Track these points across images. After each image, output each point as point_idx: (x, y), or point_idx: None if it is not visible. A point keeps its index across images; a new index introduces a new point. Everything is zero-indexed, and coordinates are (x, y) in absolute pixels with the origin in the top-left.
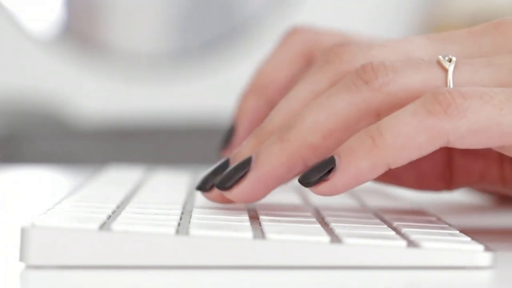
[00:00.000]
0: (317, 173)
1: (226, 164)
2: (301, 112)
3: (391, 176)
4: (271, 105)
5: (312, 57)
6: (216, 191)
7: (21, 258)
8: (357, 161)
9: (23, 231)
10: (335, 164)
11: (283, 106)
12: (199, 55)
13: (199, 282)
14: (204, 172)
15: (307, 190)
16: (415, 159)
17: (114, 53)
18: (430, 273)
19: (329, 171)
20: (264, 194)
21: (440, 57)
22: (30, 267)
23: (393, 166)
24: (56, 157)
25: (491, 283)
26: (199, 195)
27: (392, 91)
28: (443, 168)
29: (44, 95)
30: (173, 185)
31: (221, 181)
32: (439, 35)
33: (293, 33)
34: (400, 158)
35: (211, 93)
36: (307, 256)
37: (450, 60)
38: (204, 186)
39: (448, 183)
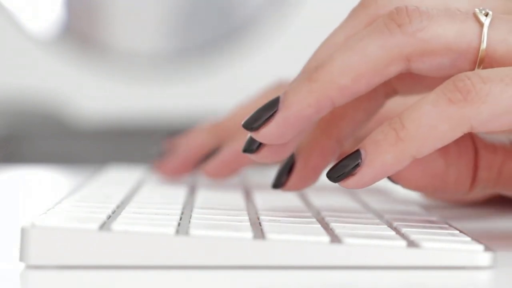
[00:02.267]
0: (344, 168)
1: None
2: (332, 53)
3: (436, 183)
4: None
5: None
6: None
7: (21, 258)
8: (383, 155)
9: (23, 231)
10: (361, 158)
11: (318, 52)
12: (199, 55)
13: (199, 282)
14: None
15: (306, 190)
16: (439, 147)
17: (114, 53)
18: (430, 273)
19: (356, 165)
20: (291, 135)
21: (477, 9)
22: (30, 267)
23: (418, 157)
24: (56, 157)
25: (491, 283)
26: (199, 195)
27: (425, 38)
28: (474, 161)
29: (44, 95)
30: (173, 185)
31: (248, 121)
32: None
33: (275, 86)
34: (424, 148)
35: (211, 93)
36: (307, 256)
37: (486, 14)
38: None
39: (472, 181)
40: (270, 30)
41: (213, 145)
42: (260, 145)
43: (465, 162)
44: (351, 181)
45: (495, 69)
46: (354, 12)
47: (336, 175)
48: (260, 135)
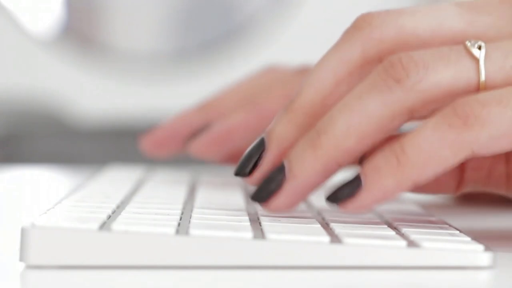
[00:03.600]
0: (344, 191)
1: (262, 143)
2: (331, 115)
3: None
4: (208, 123)
5: None
6: (257, 175)
7: (21, 258)
8: (383, 180)
9: (23, 231)
10: (361, 183)
11: (314, 77)
12: (199, 55)
13: (199, 282)
14: (242, 155)
15: None
16: (440, 173)
17: (114, 53)
18: (430, 273)
19: (356, 189)
20: (299, 202)
21: (468, 43)
22: (30, 267)
23: (418, 183)
24: (56, 157)
25: (491, 283)
26: (199, 195)
27: (424, 89)
28: (457, 166)
29: (44, 95)
30: (173, 185)
31: (256, 193)
32: (470, 4)
33: (264, 71)
34: (425, 174)
35: (211, 93)
36: (307, 256)
37: (479, 47)
38: (243, 171)
39: (458, 183)
40: (270, 30)
41: (201, 122)
42: (254, 168)
43: None
44: (349, 203)
45: (493, 91)
46: (347, 35)
47: (335, 196)
48: (271, 207)
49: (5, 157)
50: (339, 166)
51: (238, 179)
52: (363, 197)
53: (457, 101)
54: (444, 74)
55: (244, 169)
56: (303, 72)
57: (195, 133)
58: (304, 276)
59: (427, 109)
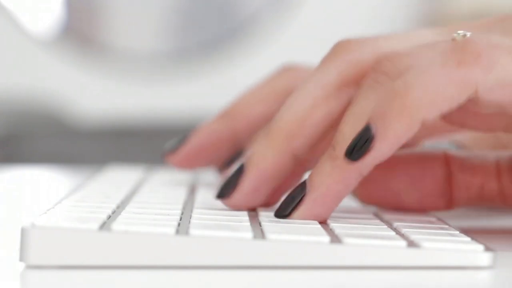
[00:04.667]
0: (360, 145)
1: (241, 169)
2: (339, 128)
3: (394, 202)
4: (235, 133)
5: None
6: (236, 196)
7: (21, 258)
8: (393, 125)
9: (23, 231)
10: (373, 133)
11: (292, 101)
12: (199, 55)
13: (199, 282)
14: (220, 181)
15: None
16: (447, 111)
17: (114, 53)
18: (430, 273)
19: (371, 141)
20: (328, 213)
21: (455, 34)
22: (30, 267)
23: (427, 121)
24: (56, 157)
25: (491, 283)
26: (199, 195)
27: (419, 97)
28: (443, 184)
29: (44, 95)
30: (173, 185)
31: (279, 210)
32: (446, 27)
33: (283, 71)
34: (432, 112)
35: (211, 93)
36: (307, 256)
37: (464, 36)
38: (224, 192)
39: (449, 201)
40: (270, 30)
41: (227, 131)
42: (234, 189)
43: (431, 184)
44: (369, 157)
45: (501, 40)
46: (325, 60)
47: (352, 152)
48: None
49: (5, 157)
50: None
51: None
52: (378, 147)
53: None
54: (444, 87)
55: (225, 193)
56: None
57: (229, 160)
58: (304, 276)
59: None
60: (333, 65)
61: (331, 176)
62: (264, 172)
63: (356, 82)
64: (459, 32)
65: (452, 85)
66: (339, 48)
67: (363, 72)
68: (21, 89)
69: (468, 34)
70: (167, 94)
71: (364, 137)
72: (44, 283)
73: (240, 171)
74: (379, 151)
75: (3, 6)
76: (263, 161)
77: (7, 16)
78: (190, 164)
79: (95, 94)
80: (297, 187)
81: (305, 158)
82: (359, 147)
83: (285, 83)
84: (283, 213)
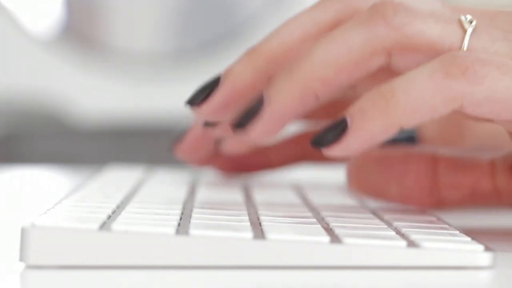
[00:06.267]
0: (330, 134)
1: (216, 81)
2: (313, 46)
3: (376, 191)
4: (268, 77)
5: None
6: (205, 107)
7: (21, 258)
8: (370, 122)
9: (23, 231)
10: (347, 125)
11: (282, 29)
12: (199, 55)
13: (199, 282)
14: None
15: (306, 190)
16: (427, 120)
17: (114, 53)
18: (430, 273)
19: (342, 132)
20: (280, 130)
21: (462, 17)
22: (30, 267)
23: (406, 127)
24: (56, 157)
25: (491, 283)
26: (199, 195)
27: (408, 33)
28: (429, 183)
29: (44, 95)
30: (173, 185)
31: (237, 122)
32: (453, 6)
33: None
34: (413, 119)
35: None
36: (307, 256)
37: (471, 22)
38: (194, 101)
39: (437, 200)
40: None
41: (256, 75)
42: (204, 100)
43: (413, 180)
44: (336, 147)
45: (493, 56)
46: None
47: (320, 140)
48: (252, 134)
49: (5, 157)
50: (316, 97)
51: (239, 180)
52: (349, 140)
53: (456, 52)
54: (431, 27)
55: (195, 100)
56: None
57: (179, 137)
58: (304, 276)
59: (405, 59)
60: (333, 4)
61: (289, 93)
62: (238, 89)
63: None
64: (467, 16)
65: (437, 96)
66: None
67: None
68: (21, 89)
69: (474, 22)
70: (167, 94)
71: (338, 127)
72: (44, 283)
73: (214, 83)
74: (347, 145)
75: (3, 6)
76: (240, 78)
77: (7, 16)
78: (195, 152)
79: (95, 94)
80: (256, 100)
81: None
82: (329, 135)
83: (331, 16)
84: (240, 127)
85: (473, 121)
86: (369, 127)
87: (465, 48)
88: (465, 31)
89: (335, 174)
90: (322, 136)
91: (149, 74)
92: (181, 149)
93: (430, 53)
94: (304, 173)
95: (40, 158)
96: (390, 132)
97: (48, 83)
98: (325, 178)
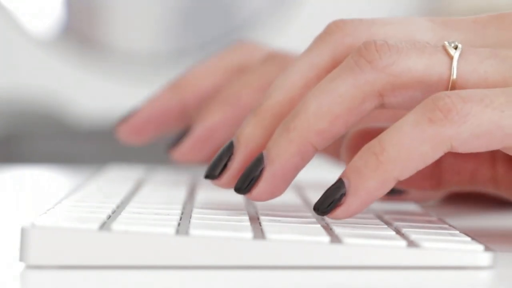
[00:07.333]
0: (330, 200)
1: (231, 146)
2: (304, 98)
3: None
4: (183, 105)
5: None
6: (226, 177)
7: (21, 258)
8: (366, 182)
9: (23, 231)
10: (345, 188)
11: (283, 80)
12: (199, 55)
13: (199, 282)
14: (211, 160)
15: (307, 190)
16: (421, 168)
17: (114, 53)
18: (430, 273)
19: (341, 196)
20: (284, 188)
21: (446, 43)
22: (30, 267)
23: (401, 179)
24: (56, 157)
25: (491, 283)
26: (199, 195)
27: (395, 72)
28: (431, 166)
29: (44, 95)
30: (173, 185)
31: (239, 184)
32: (443, 20)
33: (236, 46)
34: (407, 170)
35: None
36: (307, 256)
37: (456, 47)
38: (212, 173)
39: (437, 183)
40: (270, 30)
41: (175, 103)
42: (223, 170)
43: None
44: (339, 211)
45: (474, 90)
46: (319, 40)
47: (322, 207)
48: (254, 196)
49: (5, 157)
50: (314, 149)
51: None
52: (349, 202)
53: (437, 94)
54: (417, 62)
55: (214, 172)
56: (272, 59)
57: (178, 137)
58: (304, 276)
59: (398, 97)
60: (326, 45)
61: (288, 150)
62: (253, 152)
63: None
64: (450, 42)
65: (425, 144)
66: (333, 28)
67: None
68: (21, 89)
69: (460, 46)
70: None
71: (337, 191)
72: (44, 283)
73: (228, 151)
74: (349, 207)
75: (3, 6)
76: (252, 141)
77: (7, 16)
78: (139, 135)
79: (95, 94)
80: (256, 160)
81: None
82: (329, 201)
83: (237, 58)
84: (242, 189)
85: None
86: (366, 186)
87: (454, 75)
88: (451, 58)
89: (335, 174)
90: (323, 203)
91: (149, 74)
92: (125, 128)
93: (420, 87)
94: (304, 173)
95: (40, 158)
96: (387, 186)
97: (48, 83)
98: (325, 178)
